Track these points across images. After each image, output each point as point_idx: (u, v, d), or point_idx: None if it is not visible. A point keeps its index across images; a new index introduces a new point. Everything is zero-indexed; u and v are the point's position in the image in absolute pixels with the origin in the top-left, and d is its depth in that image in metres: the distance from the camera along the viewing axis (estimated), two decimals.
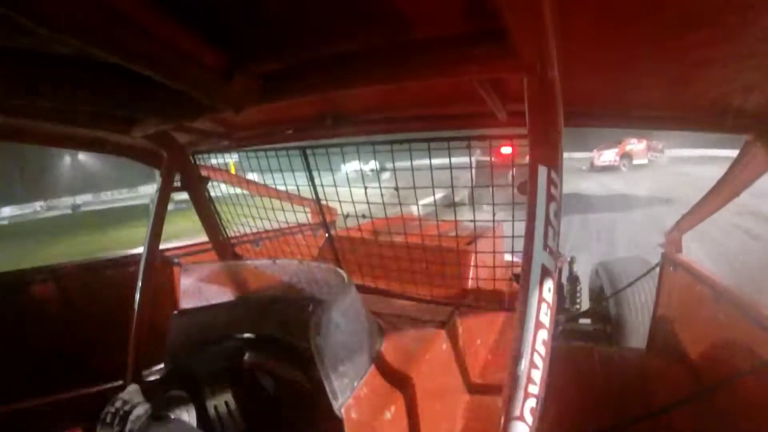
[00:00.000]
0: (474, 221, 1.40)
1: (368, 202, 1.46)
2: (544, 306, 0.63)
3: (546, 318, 0.62)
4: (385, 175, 1.32)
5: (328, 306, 0.85)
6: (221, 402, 1.05)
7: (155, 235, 1.58)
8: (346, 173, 1.50)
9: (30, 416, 1.27)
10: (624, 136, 16.10)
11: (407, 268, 1.55)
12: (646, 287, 2.28)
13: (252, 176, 1.90)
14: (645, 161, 16.37)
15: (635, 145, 16.47)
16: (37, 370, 1.50)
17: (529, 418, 0.58)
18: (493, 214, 1.37)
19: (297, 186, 1.60)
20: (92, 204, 21.91)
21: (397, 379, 1.03)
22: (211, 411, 1.03)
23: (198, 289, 1.22)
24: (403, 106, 1.30)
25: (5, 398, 1.36)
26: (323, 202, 1.73)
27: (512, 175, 1.13)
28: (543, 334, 0.61)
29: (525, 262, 0.65)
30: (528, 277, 0.64)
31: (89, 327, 1.73)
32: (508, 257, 1.84)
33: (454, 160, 1.24)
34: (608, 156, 16.65)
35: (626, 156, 16.47)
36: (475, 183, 1.32)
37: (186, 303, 1.20)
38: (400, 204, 1.42)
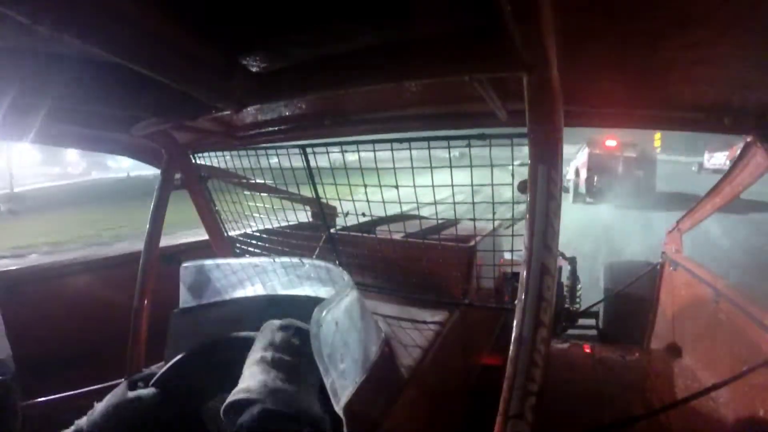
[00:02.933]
0: (474, 220, 1.40)
1: (368, 201, 1.46)
2: (543, 304, 0.63)
3: (545, 316, 0.63)
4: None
5: (328, 304, 0.85)
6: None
7: (155, 234, 1.58)
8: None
9: (30, 416, 1.27)
10: (736, 140, 14.26)
11: (408, 266, 1.55)
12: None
13: (251, 175, 1.90)
14: None
15: None
16: (36, 369, 1.50)
17: (528, 416, 0.58)
18: (493, 213, 1.37)
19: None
20: None
21: (398, 378, 1.03)
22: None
23: (198, 287, 1.22)
24: (403, 106, 1.30)
25: None
26: (323, 201, 1.73)
27: (512, 174, 1.13)
28: (542, 333, 0.62)
29: (525, 261, 0.65)
30: (528, 275, 0.64)
31: (89, 326, 1.73)
32: (507, 256, 1.85)
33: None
34: (719, 159, 15.77)
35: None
36: None
37: (186, 301, 1.20)
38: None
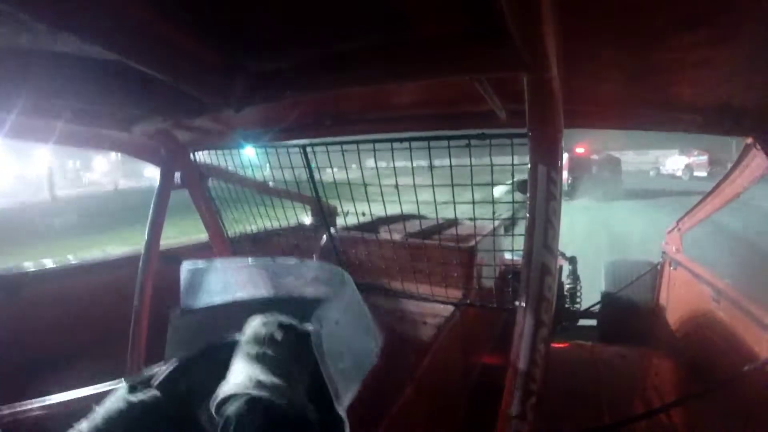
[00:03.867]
0: (474, 220, 1.40)
1: (368, 200, 1.46)
2: (544, 304, 0.63)
3: (546, 316, 0.63)
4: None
5: (329, 304, 0.85)
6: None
7: (155, 234, 1.58)
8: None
9: (30, 417, 1.27)
10: (689, 150, 18.79)
11: (408, 266, 1.55)
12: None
13: (252, 174, 1.90)
14: (704, 174, 17.42)
15: (697, 157, 18.10)
16: (37, 370, 1.50)
17: (529, 416, 0.58)
18: (494, 213, 1.37)
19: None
20: None
21: (399, 378, 1.03)
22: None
23: (198, 288, 1.22)
24: (403, 106, 1.30)
25: (4, 399, 1.36)
26: (323, 201, 1.73)
27: (512, 174, 1.13)
28: (543, 332, 0.62)
29: (525, 261, 0.65)
30: (528, 275, 0.64)
31: (89, 327, 1.73)
32: (508, 256, 1.84)
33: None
34: (672, 165, 19.52)
35: (688, 167, 18.46)
36: None
37: (185, 301, 1.20)
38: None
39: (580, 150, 13.86)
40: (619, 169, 14.30)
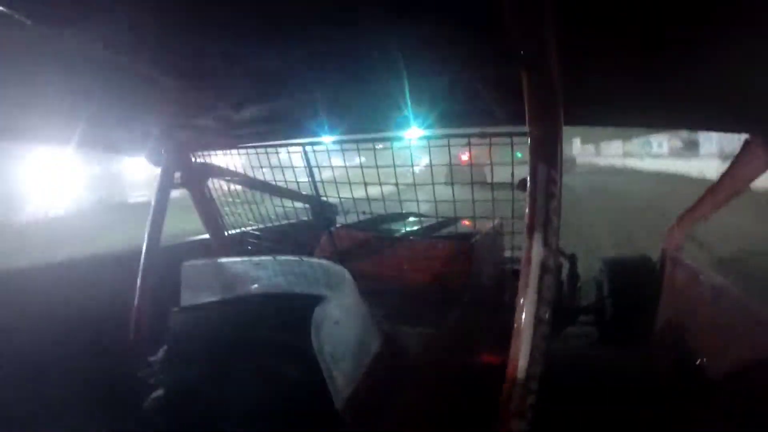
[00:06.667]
0: (474, 218, 1.41)
1: (368, 199, 1.46)
2: (543, 303, 0.63)
3: (545, 315, 0.63)
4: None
5: (329, 302, 0.85)
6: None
7: (154, 233, 1.58)
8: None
9: (30, 417, 1.27)
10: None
11: (408, 264, 1.55)
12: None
13: (252, 173, 1.90)
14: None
15: None
16: (35, 369, 1.50)
17: (529, 414, 0.58)
18: (493, 212, 1.37)
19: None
20: None
21: (397, 377, 1.03)
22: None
23: (198, 287, 1.22)
24: (401, 104, 1.30)
25: (4, 399, 1.36)
26: (323, 199, 1.73)
27: (512, 173, 1.13)
28: (542, 331, 0.62)
29: (525, 259, 0.66)
30: (528, 274, 0.64)
31: (88, 325, 1.73)
32: (508, 254, 1.84)
33: None
34: None
35: None
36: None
37: (186, 300, 1.20)
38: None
39: (464, 158, 13.79)
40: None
